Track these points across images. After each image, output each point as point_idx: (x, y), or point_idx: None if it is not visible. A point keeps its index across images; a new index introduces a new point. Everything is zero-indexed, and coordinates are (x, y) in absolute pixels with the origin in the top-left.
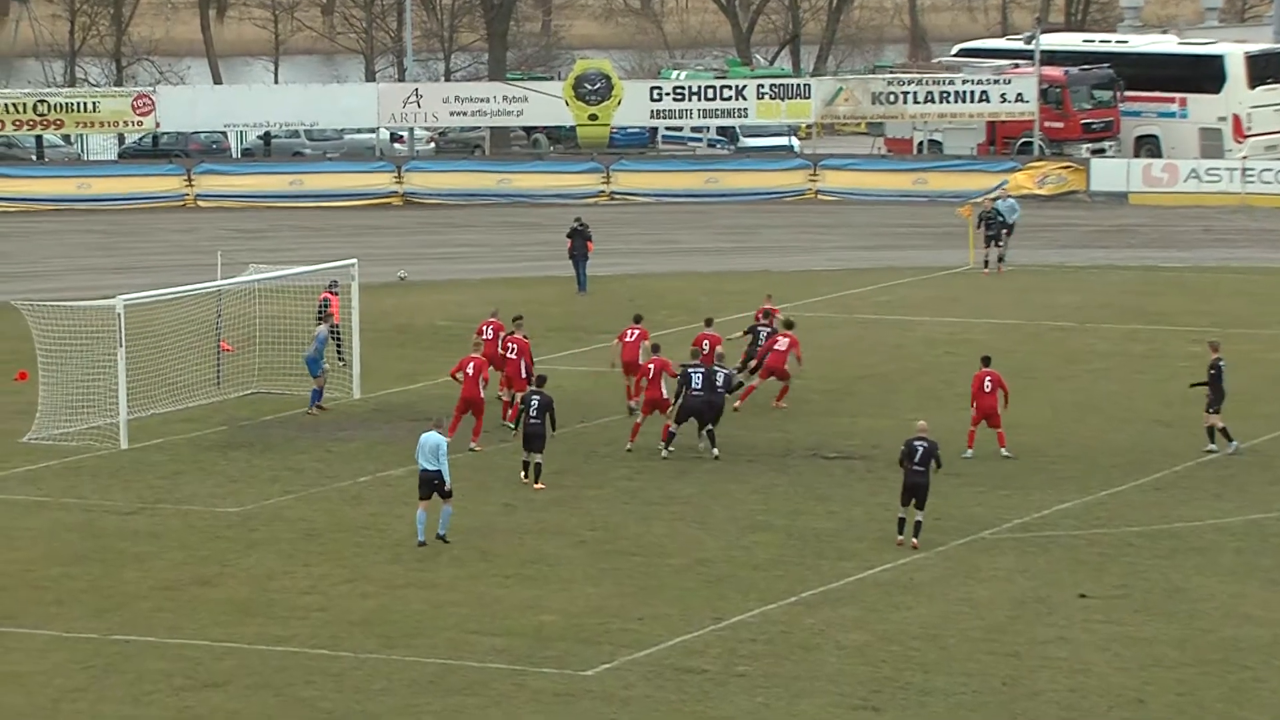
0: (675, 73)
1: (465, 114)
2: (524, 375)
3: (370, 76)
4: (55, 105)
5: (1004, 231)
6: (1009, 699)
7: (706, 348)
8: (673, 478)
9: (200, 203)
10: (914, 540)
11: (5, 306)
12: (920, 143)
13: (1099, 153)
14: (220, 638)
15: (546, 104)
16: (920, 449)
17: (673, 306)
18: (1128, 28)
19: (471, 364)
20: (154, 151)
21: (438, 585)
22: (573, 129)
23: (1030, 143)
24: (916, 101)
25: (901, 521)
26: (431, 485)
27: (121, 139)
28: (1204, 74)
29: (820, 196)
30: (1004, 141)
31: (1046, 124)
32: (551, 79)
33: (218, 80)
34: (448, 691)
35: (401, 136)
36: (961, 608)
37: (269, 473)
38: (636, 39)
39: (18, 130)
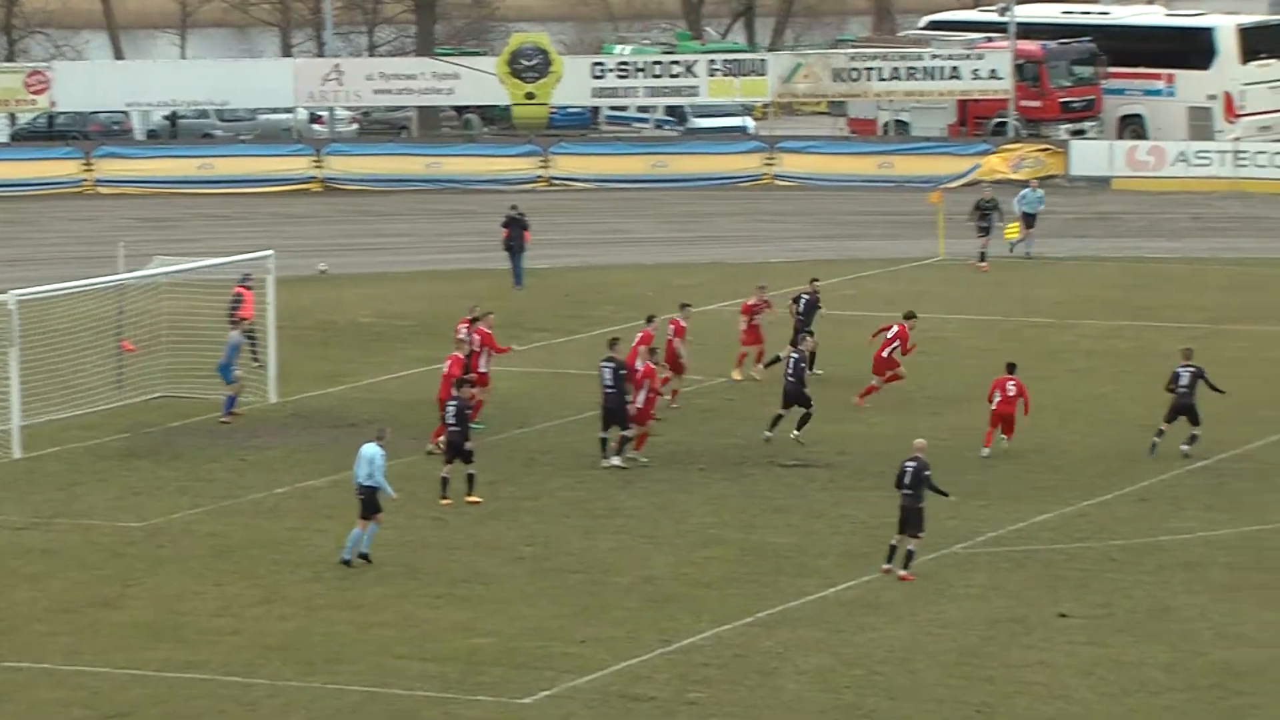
0: (619, 48)
1: (390, 92)
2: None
3: (287, 52)
4: None
5: (1019, 222)
6: None
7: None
8: (618, 488)
9: (100, 189)
10: (901, 571)
11: None
12: (885, 123)
13: (1079, 134)
14: (123, 664)
15: (479, 81)
16: (908, 470)
17: (617, 301)
18: None
19: (449, 363)
20: (49, 133)
21: (362, 606)
22: (508, 109)
23: (1004, 123)
24: (881, 79)
25: (892, 549)
26: (365, 503)
27: (13, 119)
28: (1193, 48)
29: (777, 182)
30: (976, 122)
31: (1022, 103)
32: (485, 54)
33: (119, 55)
34: None
35: (321, 117)
36: (931, 629)
37: (176, 484)
38: (577, 11)
39: None
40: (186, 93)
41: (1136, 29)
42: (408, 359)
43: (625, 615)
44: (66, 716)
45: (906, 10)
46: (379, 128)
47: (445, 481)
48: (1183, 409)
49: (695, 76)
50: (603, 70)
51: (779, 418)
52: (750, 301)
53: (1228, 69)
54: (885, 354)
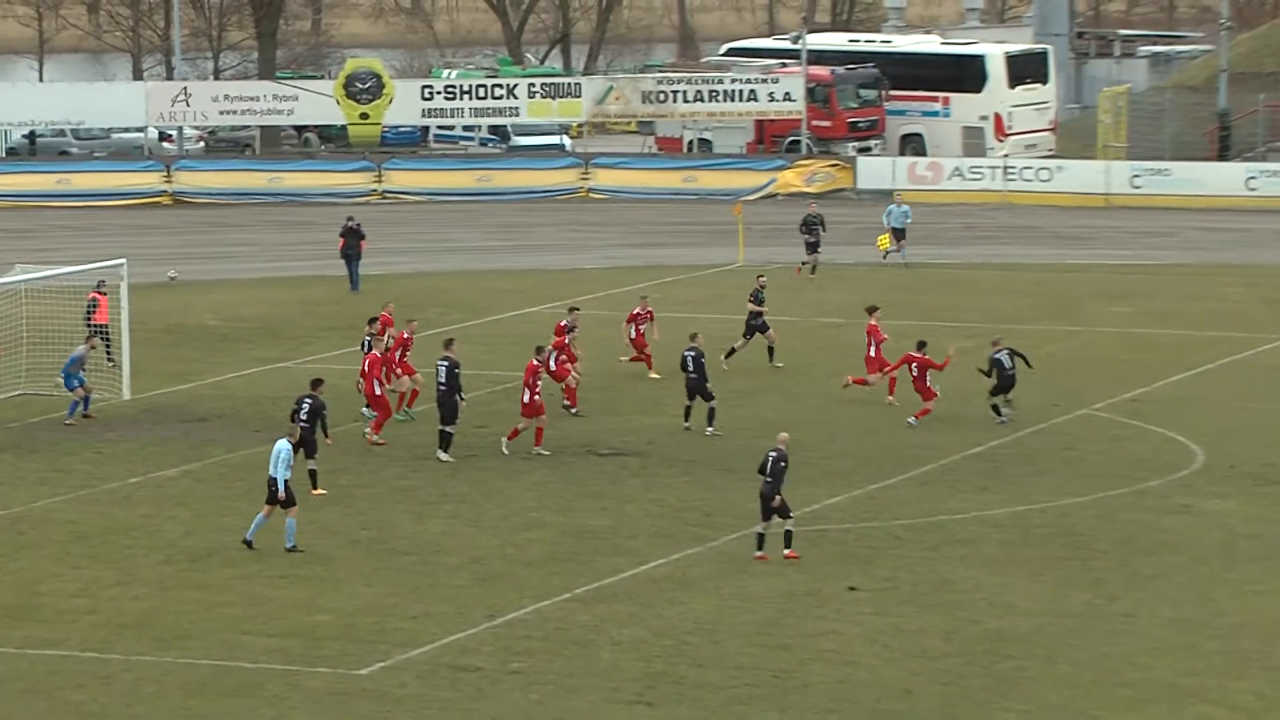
0: (446, 72)
1: (235, 113)
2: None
3: (138, 75)
4: None
5: (896, 234)
6: (780, 692)
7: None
8: (446, 476)
9: None
10: (786, 550)
11: None
12: (690, 141)
13: (865, 151)
14: None
15: (317, 103)
16: (770, 458)
17: (447, 305)
18: (892, 28)
19: (366, 361)
20: None
21: (210, 586)
22: (344, 128)
23: (798, 141)
24: (686, 100)
25: (760, 537)
26: (272, 492)
27: None
28: (966, 74)
29: (592, 195)
30: (772, 140)
31: (814, 123)
32: (322, 78)
33: None
34: (221, 693)
35: (170, 135)
36: (734, 602)
37: (37, 475)
38: (407, 38)
39: None
40: (44, 113)
41: (915, 56)
42: (250, 359)
43: (454, 593)
44: None
45: (708, 38)
46: (224, 145)
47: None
48: (1010, 384)
49: (516, 98)
50: (431, 93)
51: (688, 409)
52: (636, 311)
53: (997, 92)
54: (872, 353)
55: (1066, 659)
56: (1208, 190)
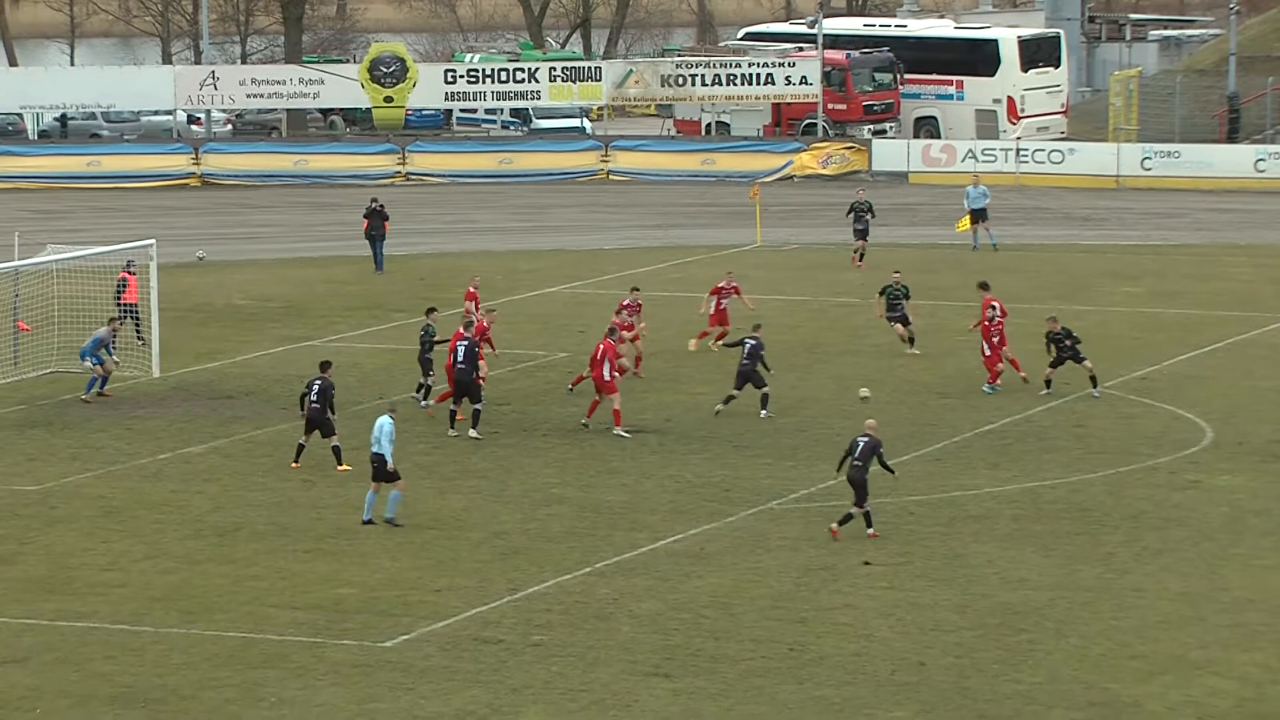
0: (469, 56)
1: (262, 96)
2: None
3: (167, 59)
4: None
5: (979, 217)
6: (796, 664)
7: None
8: (469, 452)
9: None
10: (870, 531)
11: None
12: (708, 124)
13: (880, 134)
14: (19, 615)
15: (342, 86)
16: (860, 444)
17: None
18: (907, 12)
19: (600, 349)
20: None
21: (237, 560)
22: (368, 111)
23: (814, 124)
24: (704, 84)
25: (848, 516)
26: (377, 469)
27: None
28: (979, 58)
29: (611, 177)
30: (789, 123)
31: (830, 106)
32: (347, 62)
33: (13, 62)
34: (248, 665)
35: (198, 118)
36: (750, 576)
37: (68, 450)
38: (431, 22)
39: None
40: (75, 96)
41: (930, 40)
42: (277, 337)
43: (476, 567)
44: None
45: (726, 23)
46: (251, 128)
47: (300, 450)
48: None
49: (538, 82)
50: (454, 76)
51: (732, 397)
52: (720, 285)
53: (1010, 76)
54: (988, 351)
55: (1077, 632)
56: (1217, 172)
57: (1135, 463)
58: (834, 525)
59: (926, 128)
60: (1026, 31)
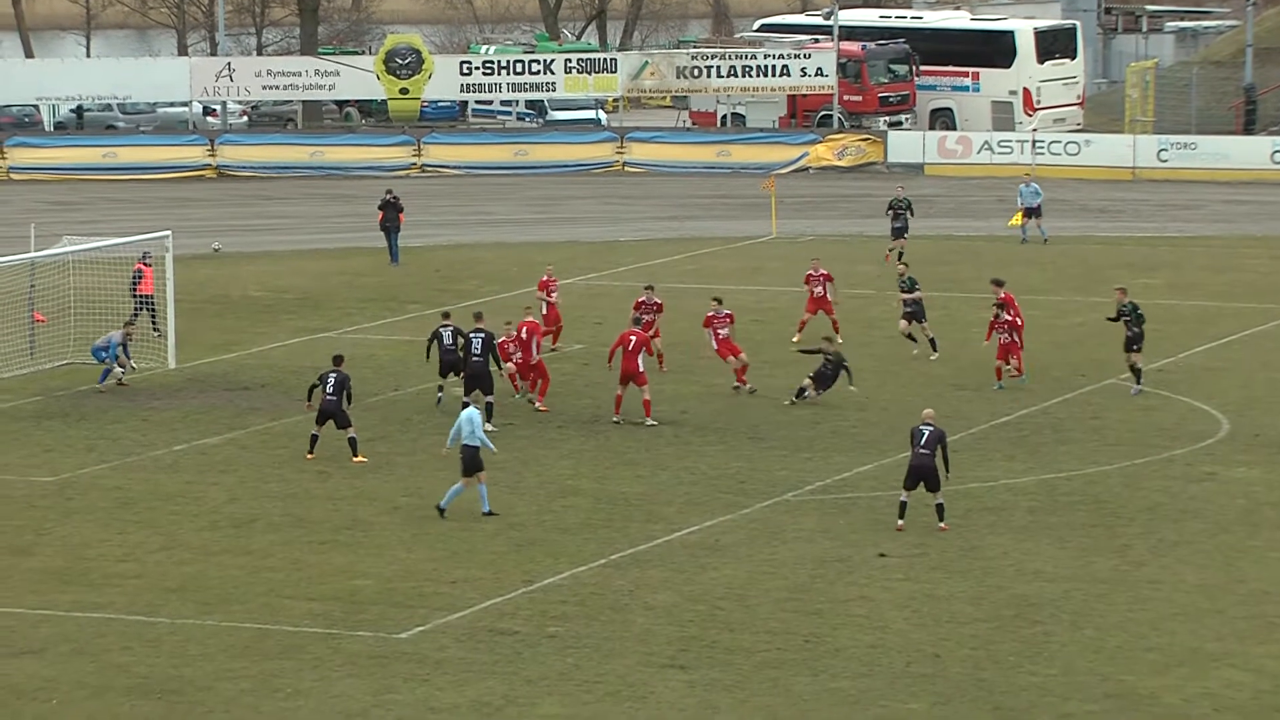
0: (484, 48)
1: (277, 88)
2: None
3: (183, 51)
4: None
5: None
6: (811, 656)
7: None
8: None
9: (12, 175)
10: (941, 524)
11: None
12: (724, 116)
13: (896, 125)
14: (36, 605)
15: (358, 78)
16: (925, 433)
17: (482, 277)
18: (923, 4)
19: (633, 339)
20: None
21: (253, 551)
22: (384, 103)
23: (830, 115)
24: (720, 75)
25: (903, 505)
26: (468, 461)
27: None
28: (995, 49)
29: (627, 168)
30: (804, 114)
31: (845, 97)
32: (363, 54)
33: (29, 54)
34: (264, 656)
35: (214, 110)
36: (765, 568)
37: (84, 442)
38: (446, 14)
39: None
40: (91, 88)
41: (946, 31)
42: (293, 329)
43: (491, 558)
44: None
45: (742, 14)
46: (267, 120)
47: (314, 440)
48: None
49: (553, 74)
50: (470, 68)
51: (804, 390)
52: (810, 273)
53: (1026, 68)
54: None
55: (1093, 624)
56: (1233, 164)
57: (1151, 455)
58: (899, 521)
59: (942, 119)
60: (1043, 23)
